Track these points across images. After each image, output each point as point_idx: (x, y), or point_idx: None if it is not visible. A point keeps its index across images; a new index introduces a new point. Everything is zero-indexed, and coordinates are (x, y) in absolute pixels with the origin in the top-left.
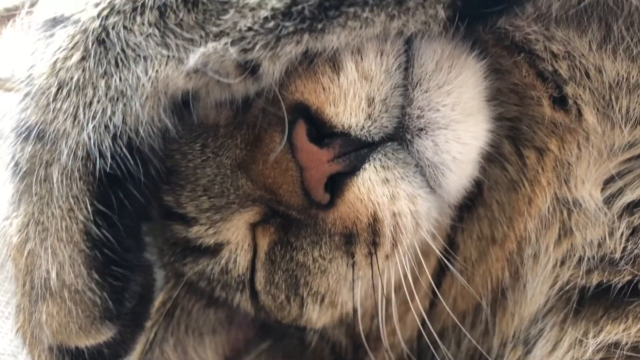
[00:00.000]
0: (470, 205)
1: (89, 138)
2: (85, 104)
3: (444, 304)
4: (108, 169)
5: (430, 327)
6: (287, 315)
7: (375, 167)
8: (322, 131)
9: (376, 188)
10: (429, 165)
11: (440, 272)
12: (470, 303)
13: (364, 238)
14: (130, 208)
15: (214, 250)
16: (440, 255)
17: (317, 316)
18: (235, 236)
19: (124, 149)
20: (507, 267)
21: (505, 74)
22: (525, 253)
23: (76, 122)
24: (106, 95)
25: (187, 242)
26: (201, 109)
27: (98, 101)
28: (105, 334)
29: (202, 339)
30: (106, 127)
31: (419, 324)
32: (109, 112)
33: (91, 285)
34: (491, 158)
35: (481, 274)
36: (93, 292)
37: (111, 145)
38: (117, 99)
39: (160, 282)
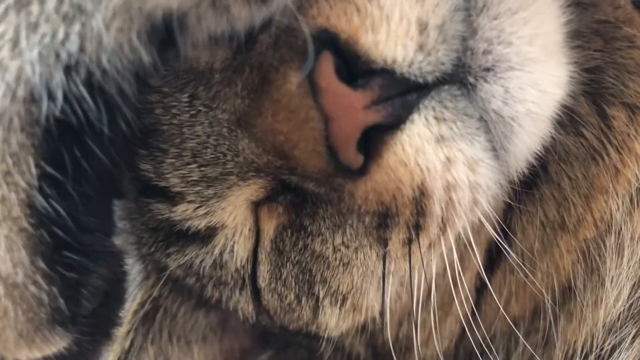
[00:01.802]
0: (531, 182)
1: (33, 71)
2: (29, 24)
3: (496, 304)
4: (58, 114)
5: (475, 334)
6: (296, 319)
7: (427, 118)
8: (355, 68)
9: (427, 148)
10: (496, 120)
11: (490, 267)
12: (527, 305)
13: (405, 219)
14: (90, 172)
15: (205, 236)
16: (497, 242)
17: (335, 322)
18: (232, 218)
19: (81, 87)
20: (581, 260)
21: (589, 9)
22: (606, 242)
23: (16, 50)
24: (57, 11)
25: (170, 225)
26: (190, 46)
27: (46, 20)
28: (55, 344)
29: (189, 348)
30: (57, 55)
31: (463, 330)
32: (61, 35)
33: (35, 278)
34: (561, 120)
35: (544, 269)
36: (38, 287)
37: (64, 81)
38: (73, 16)
39: (137, 278)
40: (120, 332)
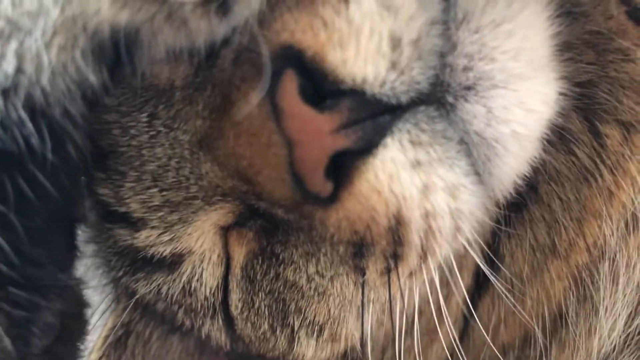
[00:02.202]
0: (520, 203)
1: None
2: None
3: (483, 333)
4: None
5: None
6: (272, 349)
7: (401, 142)
8: (321, 88)
9: (402, 174)
10: (478, 142)
11: (477, 293)
12: (517, 333)
13: (381, 248)
14: (36, 202)
15: (172, 263)
16: (483, 268)
17: (312, 353)
18: (199, 244)
19: (21, 112)
20: (573, 287)
21: (579, 19)
22: (600, 269)
23: None
24: None
25: (134, 252)
26: (147, 62)
27: None
28: None
29: None
30: None
31: (449, 357)
32: None
33: None
34: (550, 138)
35: (534, 296)
36: None
37: (1, 105)
38: (9, 34)
39: (104, 304)
40: (90, 359)
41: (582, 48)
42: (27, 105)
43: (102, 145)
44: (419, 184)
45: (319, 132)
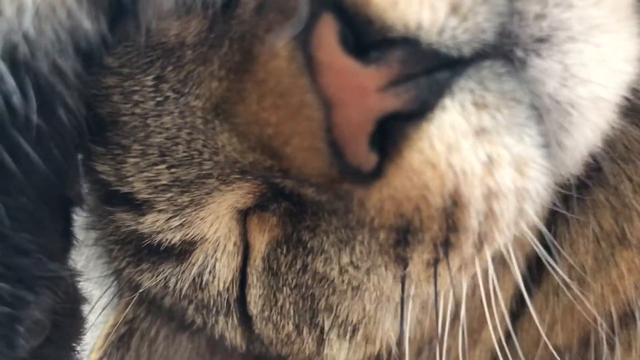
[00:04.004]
0: (582, 185)
1: None
2: None
3: (533, 333)
4: None
5: None
6: (296, 352)
7: (463, 104)
8: (365, 37)
9: (463, 143)
10: (550, 107)
11: (527, 288)
12: (574, 334)
13: (432, 235)
14: (20, 176)
15: (181, 252)
16: (543, 259)
17: (344, 356)
18: (213, 230)
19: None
20: None
21: None
22: None
23: None
24: None
25: (139, 239)
26: (152, 14)
27: None
28: None
29: None
30: None
31: None
32: None
33: None
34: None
35: (598, 291)
36: None
37: None
38: None
39: (105, 298)
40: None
41: None
42: (6, 56)
43: (100, 114)
44: (483, 156)
45: (363, 90)
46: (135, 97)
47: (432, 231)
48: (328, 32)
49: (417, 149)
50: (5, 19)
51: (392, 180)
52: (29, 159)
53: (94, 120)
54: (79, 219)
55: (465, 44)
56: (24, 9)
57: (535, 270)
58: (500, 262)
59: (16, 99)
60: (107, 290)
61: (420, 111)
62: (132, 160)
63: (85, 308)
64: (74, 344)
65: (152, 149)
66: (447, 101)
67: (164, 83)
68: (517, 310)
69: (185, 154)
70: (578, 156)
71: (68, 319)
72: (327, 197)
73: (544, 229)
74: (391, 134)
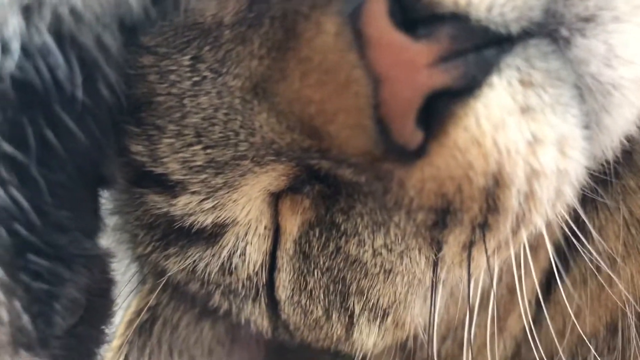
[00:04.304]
0: (612, 170)
1: None
2: None
3: (572, 315)
4: (16, 72)
5: (532, 354)
6: (323, 337)
7: (510, 82)
8: (413, 13)
9: (509, 122)
10: (593, 87)
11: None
12: (602, 320)
13: (471, 216)
14: (62, 152)
15: (212, 234)
16: (571, 242)
17: (373, 341)
18: (245, 213)
19: (46, 36)
20: None
21: None
22: None
23: None
24: None
25: (169, 222)
26: None
27: None
28: None
29: None
30: None
31: (517, 349)
32: None
33: None
34: None
35: (628, 277)
36: None
37: (22, 27)
38: None
39: (132, 283)
40: (112, 346)
41: None
42: (53, 29)
43: (136, 94)
44: (528, 135)
45: (413, 65)
46: (172, 77)
47: (471, 212)
48: (378, 7)
49: (463, 126)
50: None
51: (435, 159)
52: (71, 135)
53: (128, 100)
54: (105, 202)
55: (513, 21)
56: None
57: (562, 256)
58: (538, 246)
59: (61, 73)
60: (131, 277)
61: (467, 88)
62: (167, 140)
63: (115, 291)
64: (103, 327)
65: (188, 129)
66: (495, 78)
67: (201, 63)
68: (543, 298)
69: (221, 135)
70: (615, 138)
71: (100, 300)
72: (365, 177)
73: (581, 212)
74: (436, 111)
